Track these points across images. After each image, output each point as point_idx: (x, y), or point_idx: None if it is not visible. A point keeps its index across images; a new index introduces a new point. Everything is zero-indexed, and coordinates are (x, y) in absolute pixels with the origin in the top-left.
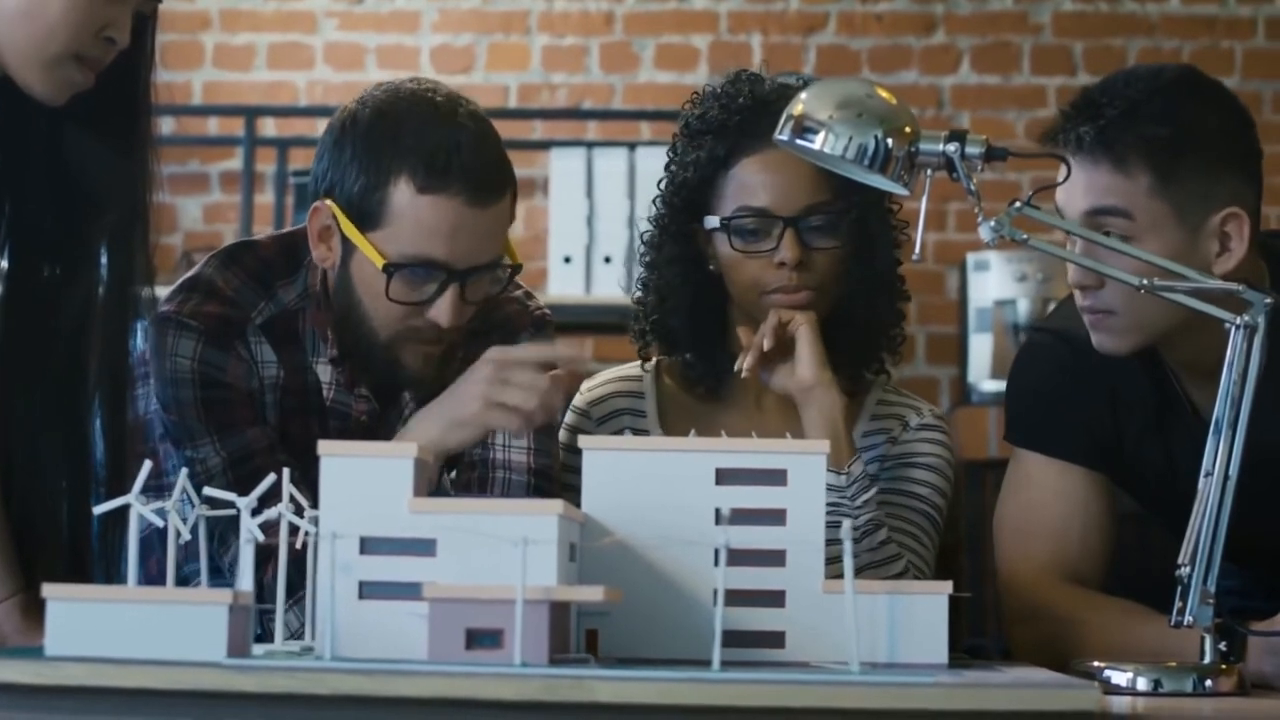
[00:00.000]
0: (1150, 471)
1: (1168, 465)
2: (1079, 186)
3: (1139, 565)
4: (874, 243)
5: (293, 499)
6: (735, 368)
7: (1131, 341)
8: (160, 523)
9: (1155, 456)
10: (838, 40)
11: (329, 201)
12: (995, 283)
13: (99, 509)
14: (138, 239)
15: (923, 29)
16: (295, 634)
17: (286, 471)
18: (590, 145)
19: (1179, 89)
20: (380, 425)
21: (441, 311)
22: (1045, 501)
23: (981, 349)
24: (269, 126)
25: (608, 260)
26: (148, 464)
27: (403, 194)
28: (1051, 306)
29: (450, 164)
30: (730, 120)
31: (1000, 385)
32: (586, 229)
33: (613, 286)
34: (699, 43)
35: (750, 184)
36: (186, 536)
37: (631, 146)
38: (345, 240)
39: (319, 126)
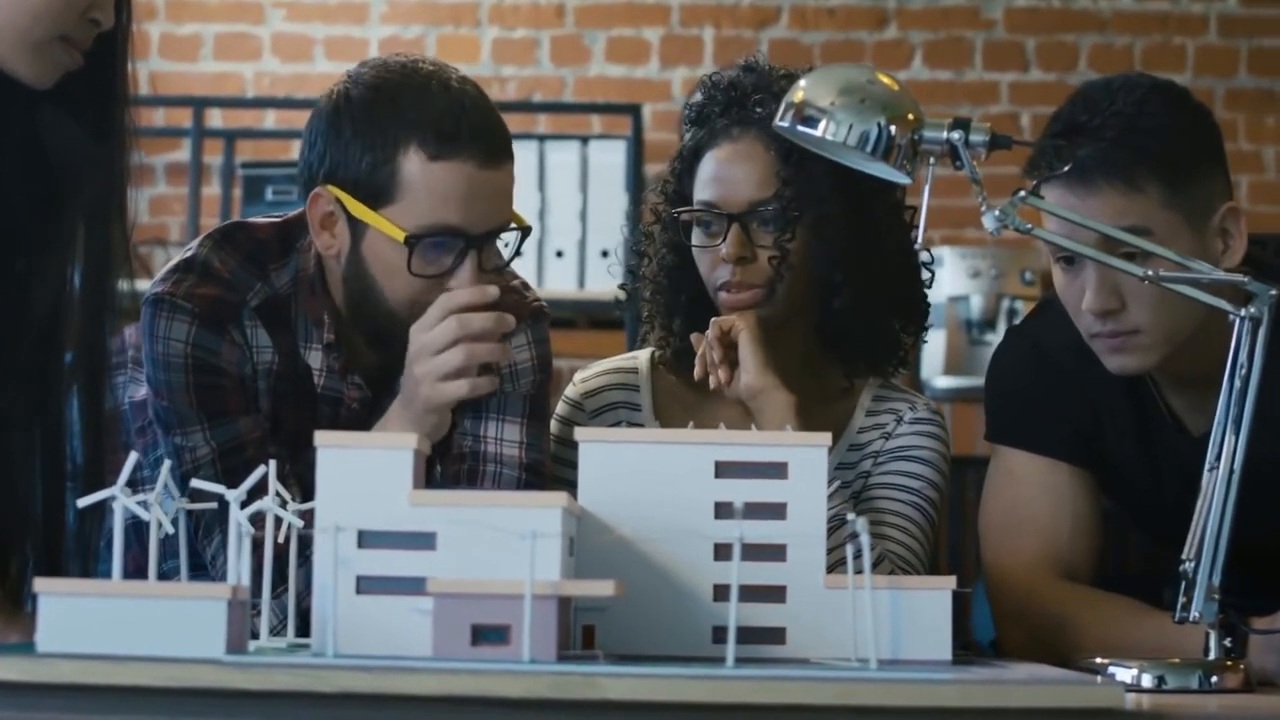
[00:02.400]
0: (1133, 479)
1: (1151, 475)
2: (1089, 213)
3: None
4: (851, 240)
5: (277, 493)
6: (695, 377)
7: (1156, 358)
8: (146, 516)
9: (1138, 465)
10: (790, 34)
11: (329, 187)
12: (948, 279)
13: (82, 501)
14: (114, 226)
15: (875, 23)
16: (273, 630)
17: (273, 464)
18: (541, 139)
19: (1159, 98)
20: (373, 413)
21: (463, 280)
22: (1032, 498)
23: (935, 345)
24: (215, 118)
25: (560, 255)
26: (134, 455)
27: (414, 164)
28: (1005, 303)
29: (460, 128)
30: (711, 109)
31: (954, 382)
32: (538, 223)
33: (565, 281)
34: (651, 36)
35: (706, 178)
36: (169, 529)
37: (583, 140)
38: (354, 223)
39: (266, 118)
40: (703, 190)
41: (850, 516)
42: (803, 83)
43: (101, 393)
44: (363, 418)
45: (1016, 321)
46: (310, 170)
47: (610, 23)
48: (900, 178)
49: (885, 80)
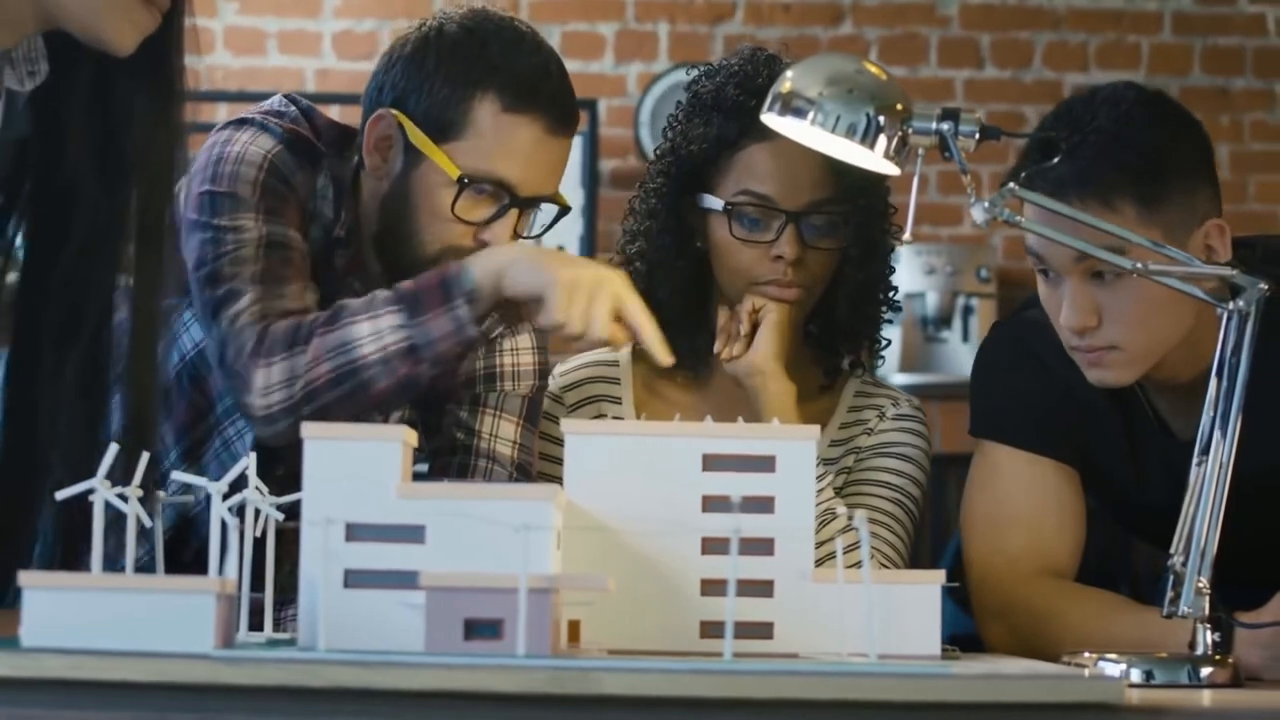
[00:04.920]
0: (1118, 479)
1: (1136, 476)
2: (1065, 229)
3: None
4: (873, 248)
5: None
6: (715, 350)
7: (1134, 374)
8: (124, 509)
9: (1123, 466)
10: (745, 30)
11: (395, 112)
12: (904, 276)
13: (61, 494)
14: (167, 214)
15: (830, 19)
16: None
17: (253, 457)
18: None
19: (1143, 112)
20: None
21: (498, 236)
22: (1017, 493)
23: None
24: None
25: None
26: (114, 448)
27: (487, 110)
28: (960, 300)
29: (539, 87)
30: (746, 101)
31: (910, 379)
32: None
33: None
34: (605, 31)
35: (757, 171)
36: (147, 523)
37: None
38: (409, 151)
39: (219, 112)
40: (751, 183)
41: (840, 510)
42: (790, 73)
43: (154, 378)
44: None
45: (973, 319)
46: (379, 92)
47: (564, 17)
48: (889, 169)
49: (873, 70)
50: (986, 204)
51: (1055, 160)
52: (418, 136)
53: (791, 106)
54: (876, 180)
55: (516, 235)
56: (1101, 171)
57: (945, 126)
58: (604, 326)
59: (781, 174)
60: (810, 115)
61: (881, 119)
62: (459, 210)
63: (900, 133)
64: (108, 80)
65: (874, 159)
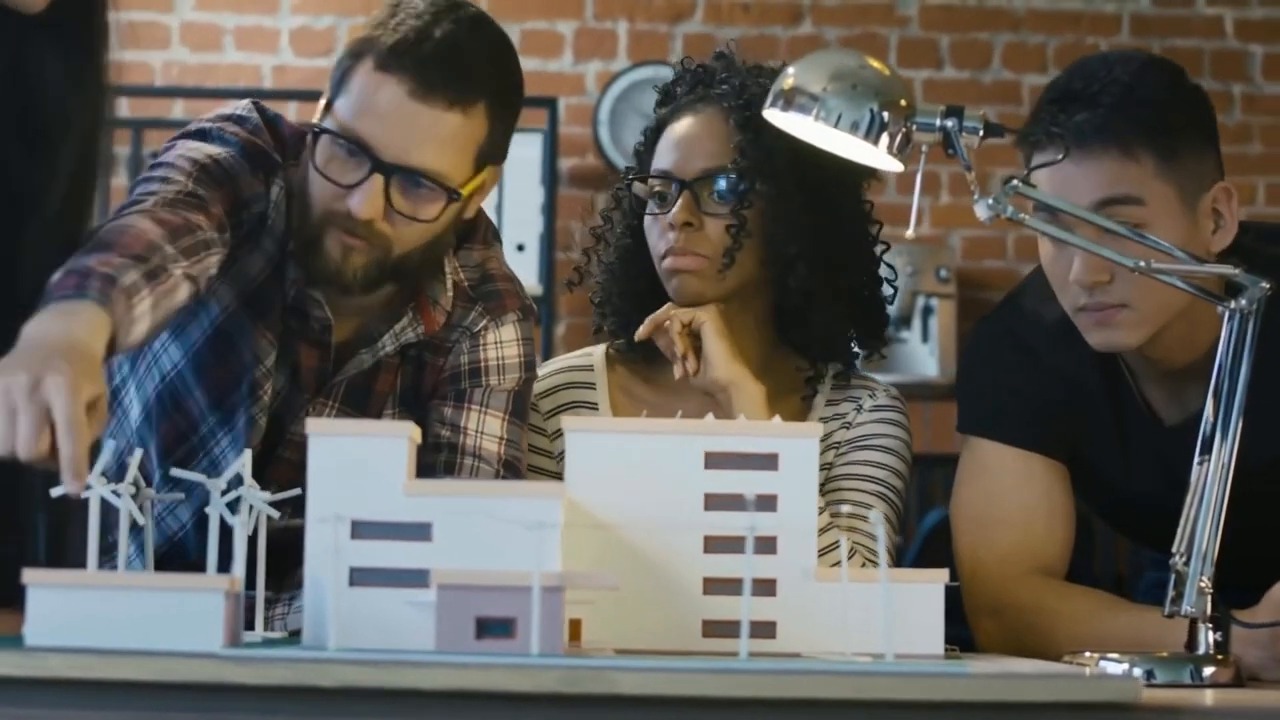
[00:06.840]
0: (1105, 468)
1: (1124, 465)
2: (1082, 179)
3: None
4: (808, 219)
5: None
6: (677, 375)
7: (1141, 335)
8: (117, 503)
9: (1111, 455)
10: (705, 29)
11: None
12: None
13: (56, 491)
14: (93, 184)
15: (790, 19)
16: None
17: (248, 454)
18: None
19: (1158, 71)
20: (330, 340)
21: (356, 198)
22: (1006, 490)
23: None
24: (123, 107)
25: None
26: (110, 444)
27: (363, 68)
28: (920, 301)
29: (412, 50)
30: (673, 90)
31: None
32: None
33: None
34: (564, 29)
35: (663, 148)
36: (141, 520)
37: None
38: None
39: (175, 108)
40: (659, 160)
41: (845, 508)
42: (792, 69)
43: None
44: (324, 346)
45: (932, 319)
46: None
47: (524, 16)
48: (892, 165)
49: (876, 66)
50: (990, 201)
51: (1061, 159)
52: (326, 94)
53: (795, 103)
54: (793, 157)
55: (392, 205)
56: (1121, 120)
57: (950, 123)
58: (26, 442)
59: (678, 147)
60: (814, 111)
61: (885, 115)
62: (320, 163)
63: (904, 129)
64: (20, 39)
65: (878, 155)
